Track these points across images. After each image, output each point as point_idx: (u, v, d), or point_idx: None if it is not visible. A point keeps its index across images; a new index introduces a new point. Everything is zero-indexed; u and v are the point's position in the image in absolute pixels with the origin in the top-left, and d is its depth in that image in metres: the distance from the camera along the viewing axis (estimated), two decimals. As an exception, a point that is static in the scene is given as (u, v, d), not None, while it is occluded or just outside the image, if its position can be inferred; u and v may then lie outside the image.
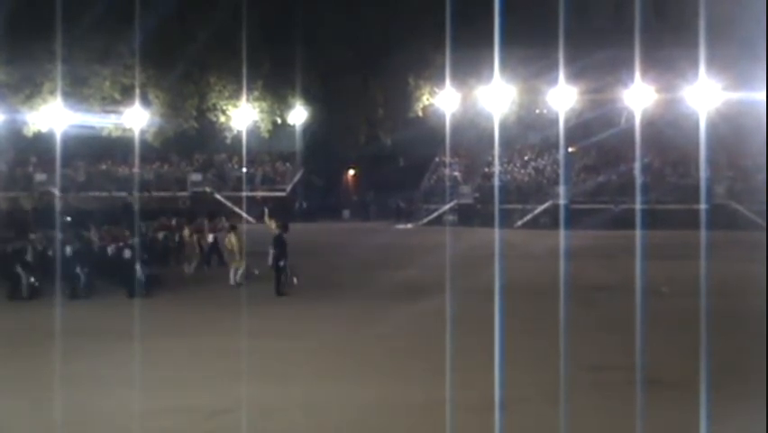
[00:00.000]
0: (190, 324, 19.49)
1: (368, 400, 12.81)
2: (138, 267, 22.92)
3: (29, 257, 22.91)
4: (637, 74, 44.53)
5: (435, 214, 51.75)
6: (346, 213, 59.13)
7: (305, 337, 17.44)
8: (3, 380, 14.08)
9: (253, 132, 55.70)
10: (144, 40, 46.33)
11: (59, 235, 24.30)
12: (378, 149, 58.74)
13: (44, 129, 52.18)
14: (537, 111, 53.65)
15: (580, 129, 49.98)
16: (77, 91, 51.50)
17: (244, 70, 47.38)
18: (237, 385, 13.03)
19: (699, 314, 15.64)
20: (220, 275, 26.17)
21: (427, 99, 56.28)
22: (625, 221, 41.48)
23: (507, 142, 52.14)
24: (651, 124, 47.36)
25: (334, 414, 12.19)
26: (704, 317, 15.37)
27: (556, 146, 47.71)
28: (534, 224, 47.85)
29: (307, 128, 57.23)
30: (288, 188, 56.76)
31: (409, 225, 51.04)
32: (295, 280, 22.98)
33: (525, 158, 54.78)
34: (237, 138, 54.82)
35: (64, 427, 11.44)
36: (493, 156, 50.44)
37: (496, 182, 49.92)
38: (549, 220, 47.08)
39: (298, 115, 56.70)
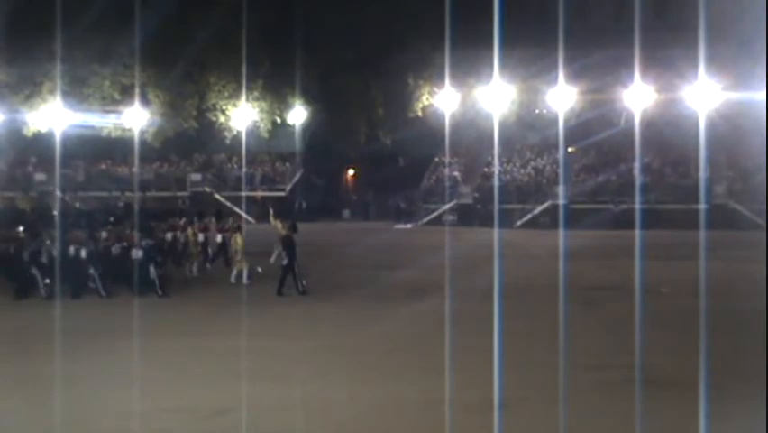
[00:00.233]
0: (193, 324, 19.49)
1: (368, 399, 12.81)
2: (151, 268, 23.01)
3: (44, 258, 22.99)
4: (637, 74, 44.53)
5: (435, 214, 51.76)
6: (346, 213, 59.15)
7: (305, 337, 17.44)
8: (2, 379, 14.11)
9: (253, 132, 55.68)
10: (144, 39, 46.32)
11: (73, 236, 24.38)
12: (378, 149, 58.74)
13: (44, 129, 52.16)
14: (537, 111, 53.65)
15: (580, 129, 49.97)
16: (76, 91, 51.51)
17: (244, 70, 47.41)
18: (237, 385, 13.04)
19: (698, 314, 15.66)
20: (223, 275, 26.25)
21: (427, 99, 56.30)
22: (624, 221, 41.55)
23: (506, 142, 52.14)
24: (651, 124, 47.39)
25: (334, 414, 12.20)
26: (704, 317, 15.39)
27: (556, 146, 47.72)
28: (533, 224, 47.87)
29: (307, 128, 57.21)
30: (288, 188, 56.77)
31: (409, 225, 51.06)
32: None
33: (525, 158, 54.78)
34: (237, 138, 54.82)
35: (64, 426, 11.45)
36: (493, 156, 50.44)
37: (495, 182, 49.91)
38: (548, 220, 47.08)
39: (298, 114, 56.69)
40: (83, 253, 23.21)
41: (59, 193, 48.29)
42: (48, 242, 23.49)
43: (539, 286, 23.28)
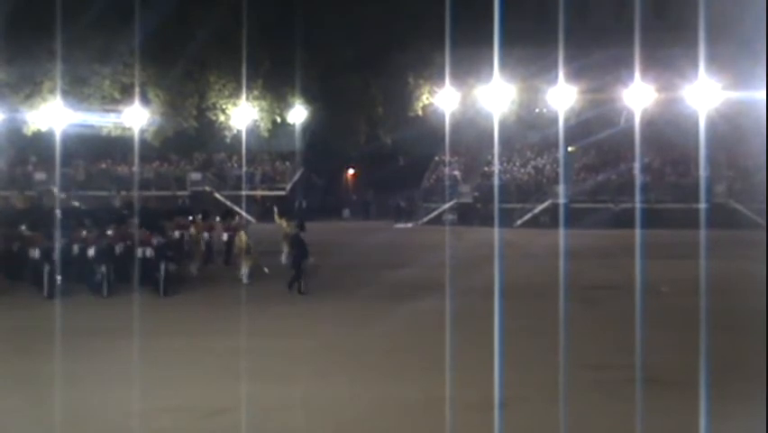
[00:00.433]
0: (193, 323, 19.50)
1: (368, 399, 12.82)
2: (162, 266, 23.05)
3: (56, 257, 23.06)
4: (637, 73, 44.50)
5: (435, 213, 51.73)
6: (346, 212, 59.12)
7: (305, 336, 17.45)
8: (2, 378, 14.11)
9: (253, 131, 55.62)
10: (144, 39, 46.28)
11: (80, 234, 24.47)
12: (378, 148, 58.69)
13: (44, 128, 52.13)
14: (537, 110, 53.62)
15: (580, 128, 49.92)
16: (76, 90, 51.45)
17: (244, 69, 47.36)
18: (237, 384, 13.04)
19: (698, 313, 15.66)
20: (226, 274, 26.28)
21: (427, 98, 56.26)
22: (624, 220, 41.49)
23: (506, 142, 52.09)
24: (651, 123, 47.34)
25: (334, 413, 12.20)
26: (704, 316, 15.39)
27: (556, 145, 47.68)
28: (533, 223, 47.84)
29: (307, 127, 57.16)
30: (288, 187, 56.72)
31: (409, 225, 51.04)
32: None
33: (525, 157, 54.77)
34: (237, 137, 54.77)
35: (64, 426, 11.45)
36: (493, 155, 50.41)
37: (495, 181, 49.87)
38: (549, 219, 47.05)
39: (298, 114, 56.64)
40: (92, 252, 23.32)
41: (58, 192, 48.24)
42: (62, 241, 23.53)
43: (539, 285, 23.28)
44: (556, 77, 46.15)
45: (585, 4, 51.36)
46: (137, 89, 51.02)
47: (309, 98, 56.30)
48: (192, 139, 56.58)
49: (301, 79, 53.95)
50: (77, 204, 46.39)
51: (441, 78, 50.47)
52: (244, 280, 24.91)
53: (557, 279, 21.07)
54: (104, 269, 22.95)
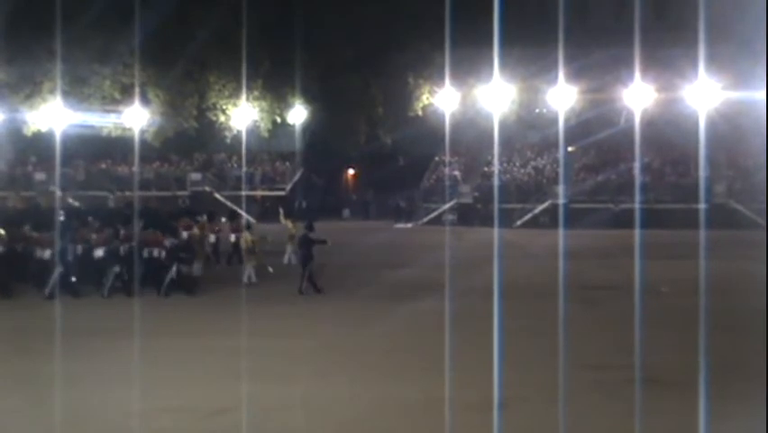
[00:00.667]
0: (193, 323, 19.51)
1: (368, 399, 12.82)
2: (174, 267, 23.06)
3: (69, 257, 23.07)
4: (637, 73, 44.51)
5: (435, 213, 51.75)
6: (346, 212, 59.14)
7: (305, 337, 17.45)
8: (2, 378, 14.12)
9: (253, 131, 55.66)
10: (144, 39, 46.27)
11: (87, 234, 24.50)
12: (378, 148, 58.73)
13: (44, 128, 52.13)
14: (537, 110, 53.65)
15: (580, 128, 49.94)
16: (76, 90, 51.47)
17: (244, 69, 47.34)
18: (237, 384, 13.04)
19: (698, 313, 15.65)
20: (229, 275, 26.30)
21: (427, 98, 56.28)
22: (624, 220, 41.48)
23: (506, 142, 52.14)
24: (650, 123, 47.34)
25: (334, 413, 12.21)
26: (703, 316, 15.38)
27: (556, 145, 47.70)
28: (533, 223, 47.86)
29: (307, 127, 57.18)
30: (288, 187, 56.74)
31: (409, 225, 51.06)
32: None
33: (525, 157, 54.78)
34: (237, 137, 54.79)
35: (64, 426, 11.45)
36: (493, 155, 50.43)
37: (495, 182, 49.92)
38: (548, 219, 47.06)
39: (298, 114, 56.66)
40: (100, 252, 23.35)
41: (59, 192, 48.20)
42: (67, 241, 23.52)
43: (539, 285, 23.29)
44: (556, 77, 46.16)
45: (585, 4, 51.39)
46: (137, 89, 51.03)
47: (309, 98, 56.32)
48: (192, 139, 56.60)
49: (301, 79, 53.98)
50: (76, 204, 46.39)
51: (441, 78, 50.49)
52: (250, 279, 24.90)
53: (557, 279, 21.08)
54: (117, 269, 22.95)
